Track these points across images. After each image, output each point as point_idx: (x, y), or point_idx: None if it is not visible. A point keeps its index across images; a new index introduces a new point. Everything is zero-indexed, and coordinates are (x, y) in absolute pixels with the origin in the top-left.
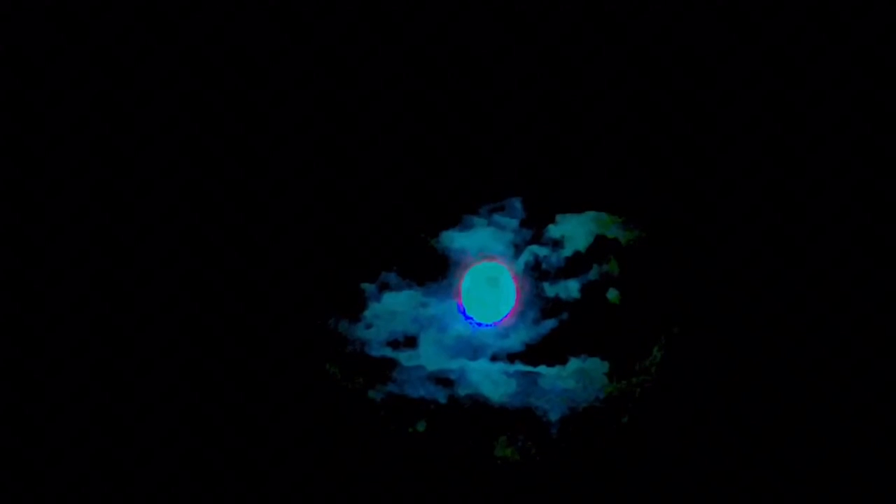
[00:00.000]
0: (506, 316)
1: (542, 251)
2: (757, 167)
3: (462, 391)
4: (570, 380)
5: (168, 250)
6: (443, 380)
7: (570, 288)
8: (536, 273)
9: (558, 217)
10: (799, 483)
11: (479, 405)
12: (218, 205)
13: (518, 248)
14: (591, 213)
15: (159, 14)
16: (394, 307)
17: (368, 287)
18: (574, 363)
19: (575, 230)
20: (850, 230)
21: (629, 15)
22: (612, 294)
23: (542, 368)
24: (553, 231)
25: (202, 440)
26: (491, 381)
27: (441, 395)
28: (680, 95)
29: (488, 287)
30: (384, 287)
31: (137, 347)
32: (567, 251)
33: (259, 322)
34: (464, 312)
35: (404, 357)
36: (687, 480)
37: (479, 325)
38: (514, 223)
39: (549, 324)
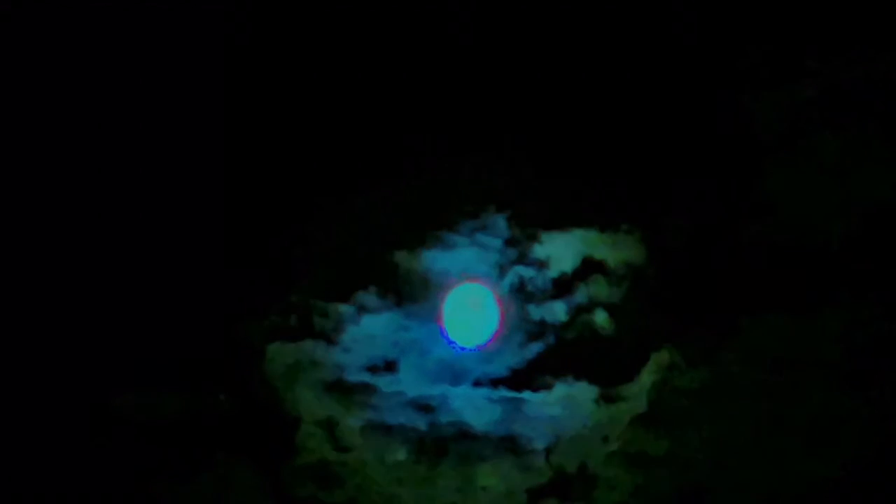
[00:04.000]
0: (489, 339)
1: (528, 272)
2: (752, 181)
3: (444, 418)
4: (557, 406)
5: (144, 265)
6: (424, 406)
7: (557, 310)
8: (521, 295)
9: (544, 236)
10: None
11: (461, 432)
12: (193, 217)
13: (502, 269)
14: (578, 232)
15: None
16: (372, 330)
17: (346, 309)
18: (560, 389)
19: (561, 250)
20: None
21: (614, 26)
22: (601, 317)
23: (527, 394)
24: (538, 251)
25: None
26: (474, 407)
27: (422, 423)
28: (672, 107)
29: (471, 309)
30: (362, 309)
31: (111, 365)
32: (553, 272)
33: (230, 341)
34: (446, 336)
35: (383, 382)
36: None
37: (462, 349)
38: (498, 242)
39: (535, 347)
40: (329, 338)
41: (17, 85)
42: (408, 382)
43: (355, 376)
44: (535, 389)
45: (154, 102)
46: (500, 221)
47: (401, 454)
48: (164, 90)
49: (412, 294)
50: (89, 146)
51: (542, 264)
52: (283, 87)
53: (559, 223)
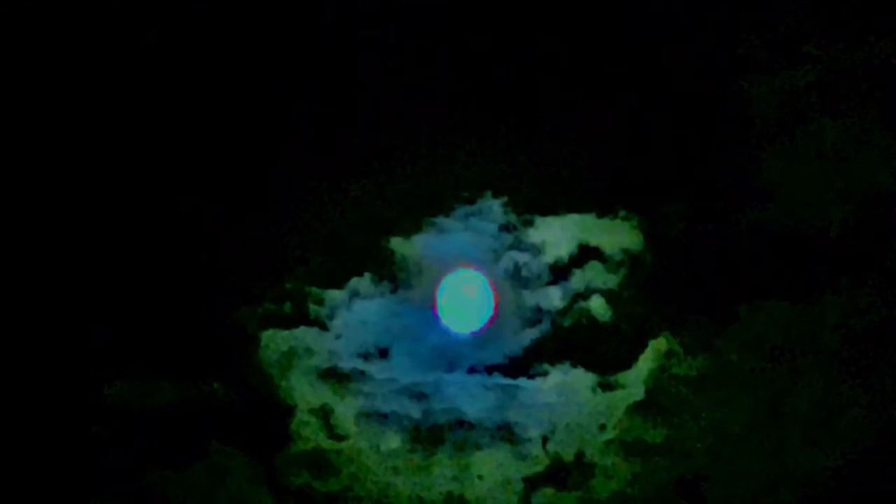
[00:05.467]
0: (484, 326)
1: (522, 257)
2: (750, 167)
3: (437, 405)
4: (553, 393)
5: (137, 253)
6: (417, 393)
7: (553, 296)
8: (517, 280)
9: (539, 221)
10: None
11: (456, 420)
12: (187, 204)
13: (497, 254)
14: (574, 217)
15: None
16: (365, 316)
17: (338, 295)
18: (556, 376)
19: (557, 235)
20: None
21: (612, 12)
22: (597, 303)
23: (522, 381)
24: (534, 236)
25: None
26: (468, 394)
27: (415, 410)
28: (670, 93)
29: (465, 295)
30: (354, 295)
31: (104, 353)
32: (549, 257)
33: (224, 328)
34: (439, 322)
35: (376, 369)
36: (677, 501)
37: (456, 335)
38: (493, 227)
39: (531, 334)
40: (324, 325)
41: None
42: (401, 369)
43: (348, 363)
44: (530, 376)
45: (147, 91)
46: (495, 206)
47: (395, 442)
48: (159, 78)
49: (407, 280)
50: (79, 137)
51: (537, 250)
52: (278, 73)
53: (555, 208)
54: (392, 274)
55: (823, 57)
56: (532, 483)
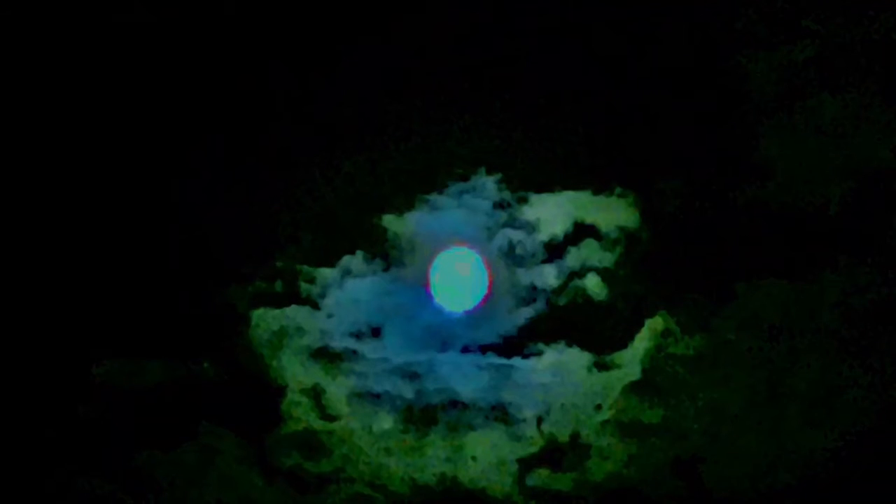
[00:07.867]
0: (477, 304)
1: (517, 235)
2: (748, 143)
3: (430, 385)
4: (548, 373)
5: (126, 232)
6: (410, 373)
7: (547, 274)
8: (511, 258)
9: (534, 198)
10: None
11: (449, 400)
12: (177, 186)
13: (491, 232)
14: (569, 194)
15: None
16: (357, 295)
17: (329, 273)
18: (551, 355)
19: (552, 213)
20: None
21: None
22: (593, 282)
23: (516, 361)
24: (528, 213)
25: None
26: (461, 374)
27: (408, 390)
28: (667, 68)
29: (459, 273)
30: (346, 273)
31: (93, 332)
32: (543, 235)
33: (214, 307)
34: (432, 301)
35: (368, 348)
36: (673, 482)
37: (449, 314)
38: (487, 205)
39: (525, 313)
40: (315, 304)
41: None
42: (393, 348)
43: (340, 342)
44: (525, 356)
45: (134, 69)
46: (489, 183)
47: (388, 423)
48: (149, 55)
49: (400, 258)
50: (66, 118)
51: (532, 227)
52: (268, 50)
53: (550, 185)
54: (384, 252)
55: (822, 32)
56: (526, 464)
